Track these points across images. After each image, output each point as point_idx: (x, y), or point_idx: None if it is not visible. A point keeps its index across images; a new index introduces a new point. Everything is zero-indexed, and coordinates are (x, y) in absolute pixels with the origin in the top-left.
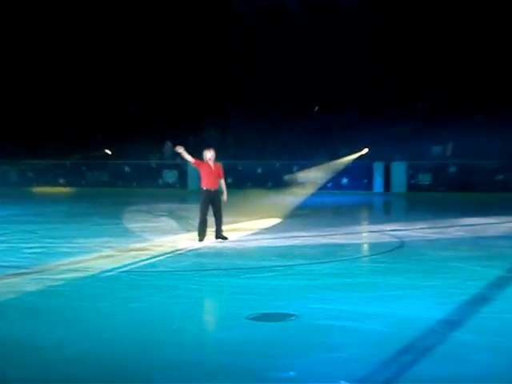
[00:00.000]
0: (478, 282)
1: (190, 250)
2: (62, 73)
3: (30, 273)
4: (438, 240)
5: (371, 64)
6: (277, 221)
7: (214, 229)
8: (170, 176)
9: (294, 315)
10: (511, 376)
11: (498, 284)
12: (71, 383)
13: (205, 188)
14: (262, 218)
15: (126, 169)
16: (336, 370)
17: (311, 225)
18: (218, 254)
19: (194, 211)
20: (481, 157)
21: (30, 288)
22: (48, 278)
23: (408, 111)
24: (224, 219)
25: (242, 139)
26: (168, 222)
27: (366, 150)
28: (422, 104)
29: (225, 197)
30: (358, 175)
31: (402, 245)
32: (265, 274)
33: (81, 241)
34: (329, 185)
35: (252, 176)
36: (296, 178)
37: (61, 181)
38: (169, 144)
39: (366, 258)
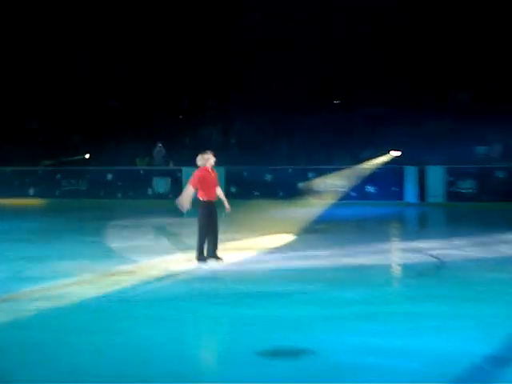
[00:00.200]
0: None
1: (184, 274)
2: (33, 60)
3: None
4: (482, 260)
5: (400, 47)
6: (289, 237)
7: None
8: (162, 185)
9: (311, 351)
10: None
11: None
12: None
13: (205, 200)
14: (271, 234)
15: (109, 176)
16: None
17: (331, 242)
18: (218, 278)
19: (189, 227)
20: None
21: None
22: (16, 308)
23: (447, 104)
24: (226, 235)
25: (247, 140)
26: (159, 241)
27: (395, 152)
28: (464, 96)
29: (227, 205)
30: (387, 182)
31: (440, 266)
32: (275, 302)
33: (55, 263)
34: (351, 194)
35: (259, 184)
36: (312, 186)
37: (30, 191)
38: (160, 146)
39: (398, 282)
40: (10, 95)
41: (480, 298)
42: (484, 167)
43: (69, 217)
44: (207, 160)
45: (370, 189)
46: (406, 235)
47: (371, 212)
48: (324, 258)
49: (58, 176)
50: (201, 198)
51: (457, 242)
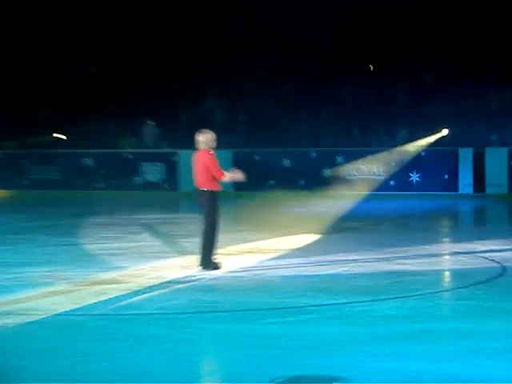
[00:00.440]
0: None
1: (181, 283)
2: None
3: None
4: None
5: None
6: (313, 238)
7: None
8: (153, 172)
9: (341, 378)
10: None
11: None
12: None
13: (216, 190)
14: (289, 233)
15: (88, 161)
16: None
17: (365, 243)
18: (224, 288)
19: (187, 225)
20: None
21: None
22: None
23: (510, 71)
24: (233, 236)
25: (259, 116)
26: (149, 242)
27: (446, 131)
28: None
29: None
30: (435, 168)
31: (502, 273)
32: (296, 318)
33: (21, 270)
34: (391, 183)
35: (276, 171)
36: (341, 174)
37: None
38: (150, 124)
39: (449, 293)
40: None
41: None
42: None
43: (38, 212)
44: (214, 141)
45: (415, 177)
46: (460, 235)
47: (416, 206)
48: (356, 263)
49: (24, 162)
50: (211, 188)
51: None
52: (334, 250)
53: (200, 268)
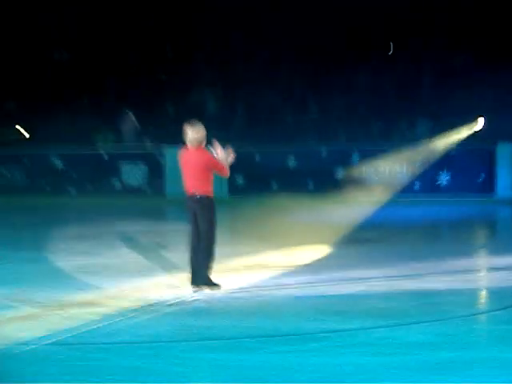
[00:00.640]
0: None
1: (169, 306)
2: None
3: None
4: None
5: None
6: (324, 251)
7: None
8: (134, 174)
9: None
10: None
11: None
12: None
13: (212, 195)
14: (297, 246)
15: (58, 163)
16: None
17: (385, 257)
18: (219, 310)
19: (174, 236)
20: None
21: None
22: None
23: None
24: (231, 248)
25: (259, 107)
26: (131, 256)
27: (481, 123)
28: None
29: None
30: (469, 168)
31: None
32: (304, 346)
33: None
34: (416, 186)
35: (279, 172)
36: (357, 175)
37: None
38: (130, 116)
39: (485, 316)
40: None
41: None
42: None
43: None
44: (203, 138)
45: (444, 178)
46: (498, 247)
47: (445, 213)
48: (375, 280)
49: None
50: (207, 194)
51: None
52: (348, 265)
53: (193, 288)
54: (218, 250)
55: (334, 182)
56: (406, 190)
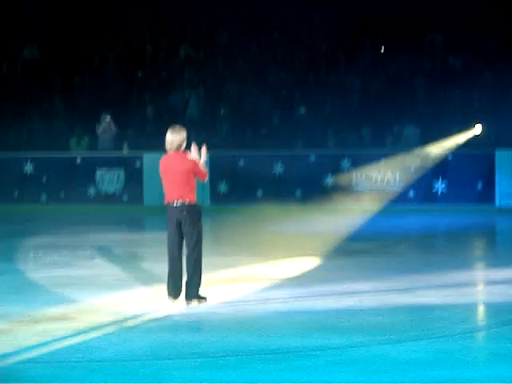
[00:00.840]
0: None
1: (147, 321)
2: None
3: None
4: None
5: None
6: (313, 263)
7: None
8: (110, 181)
9: None
10: None
11: None
12: None
13: (196, 202)
14: (284, 257)
15: (27, 168)
16: None
17: (378, 270)
18: (203, 326)
19: (153, 246)
20: None
21: None
22: None
23: None
24: (213, 260)
25: (244, 109)
26: (107, 268)
27: (479, 128)
28: None
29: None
30: (466, 175)
31: None
32: (291, 363)
33: None
34: (410, 194)
35: (265, 179)
36: (347, 183)
37: None
38: (107, 118)
39: (483, 333)
40: None
41: None
42: None
43: None
44: (181, 143)
45: (440, 186)
46: (497, 259)
47: (441, 223)
48: (366, 294)
49: None
50: (193, 202)
51: None
52: (337, 278)
53: (172, 301)
54: None
55: (323, 190)
56: (400, 199)
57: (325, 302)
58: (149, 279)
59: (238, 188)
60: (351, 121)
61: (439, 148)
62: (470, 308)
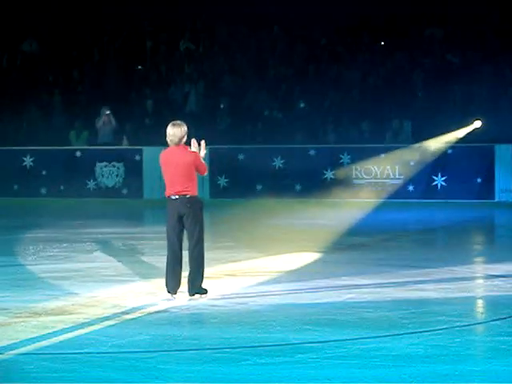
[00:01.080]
0: None
1: (147, 315)
2: None
3: None
4: None
5: None
6: (311, 257)
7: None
8: (110, 174)
9: None
10: None
11: None
12: None
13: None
14: (283, 251)
15: (27, 161)
16: None
17: (377, 264)
18: (202, 319)
19: (152, 239)
20: None
21: None
22: None
23: None
24: (213, 254)
25: (244, 103)
26: (107, 262)
27: (478, 123)
28: None
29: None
30: (465, 170)
31: None
32: (290, 358)
33: None
34: (410, 188)
35: (264, 173)
36: (347, 177)
37: None
38: (107, 114)
39: (482, 327)
40: None
41: None
42: None
43: None
44: (181, 136)
45: (440, 181)
46: (496, 253)
47: (441, 217)
48: (365, 288)
49: None
50: (196, 196)
51: None
52: (336, 272)
53: (172, 295)
54: None
55: (323, 184)
56: (400, 193)
57: (323, 296)
58: (148, 273)
59: (238, 182)
60: (351, 115)
61: (438, 142)
62: (469, 302)
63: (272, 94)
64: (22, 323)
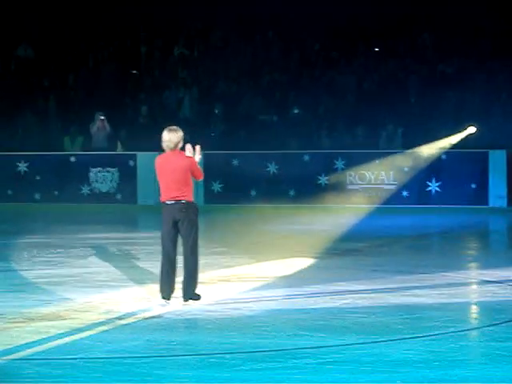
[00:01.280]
0: None
1: (141, 320)
2: None
3: None
4: None
5: None
6: (306, 263)
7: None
8: (104, 179)
9: None
10: None
11: None
12: None
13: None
14: (277, 257)
15: (21, 167)
16: None
17: (371, 270)
18: (196, 325)
19: (146, 244)
20: None
21: None
22: None
23: None
24: (207, 259)
25: (238, 109)
26: (101, 267)
27: (472, 129)
28: None
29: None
30: (460, 176)
31: None
32: (284, 363)
33: None
34: (404, 194)
35: (259, 179)
36: (341, 182)
37: None
38: (101, 118)
39: (476, 333)
40: None
41: None
42: None
43: None
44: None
45: (434, 186)
46: (490, 259)
47: (435, 223)
48: (359, 294)
49: None
50: (192, 201)
51: None
52: (331, 278)
53: (166, 301)
54: None
55: (317, 190)
56: (394, 199)
57: (318, 301)
58: (142, 278)
59: (232, 187)
60: (345, 121)
61: (432, 148)
62: (463, 308)
63: (266, 100)
64: (16, 328)
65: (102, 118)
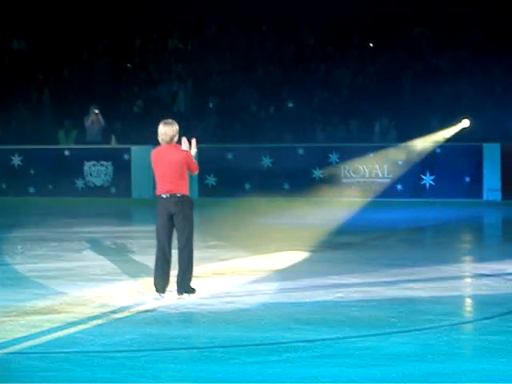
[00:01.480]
0: None
1: (135, 314)
2: None
3: None
4: None
5: None
6: (300, 256)
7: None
8: (99, 173)
9: None
10: None
11: None
12: None
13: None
14: (271, 251)
15: (15, 160)
16: None
17: (365, 263)
18: (190, 318)
19: (140, 238)
20: None
21: None
22: None
23: None
24: (200, 253)
25: (233, 102)
26: (95, 261)
27: (466, 122)
28: None
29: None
30: (454, 169)
31: None
32: (278, 356)
33: None
34: (398, 187)
35: (253, 172)
36: (335, 176)
37: None
38: (96, 113)
39: (470, 326)
40: None
41: None
42: None
43: None
44: (174, 136)
45: (428, 180)
46: (484, 252)
47: (429, 216)
48: (354, 287)
49: None
50: (187, 193)
51: None
52: (325, 271)
53: (160, 295)
54: None
55: (311, 183)
56: (388, 192)
57: (312, 295)
58: (137, 272)
59: (226, 181)
60: (339, 114)
61: (427, 142)
62: (457, 301)
63: (261, 94)
64: (11, 322)
65: (97, 111)
